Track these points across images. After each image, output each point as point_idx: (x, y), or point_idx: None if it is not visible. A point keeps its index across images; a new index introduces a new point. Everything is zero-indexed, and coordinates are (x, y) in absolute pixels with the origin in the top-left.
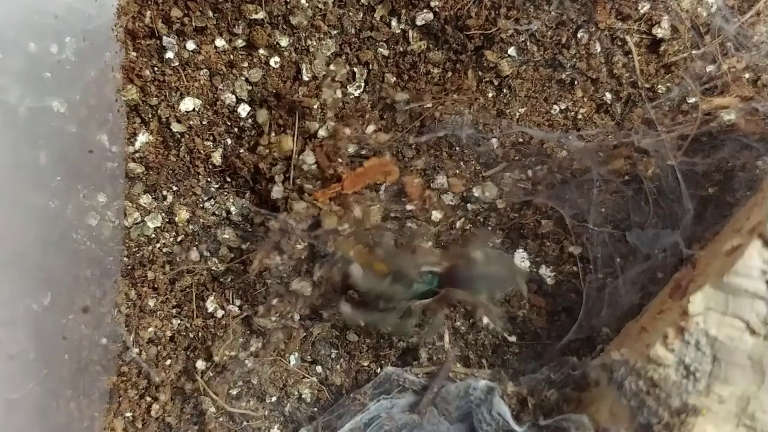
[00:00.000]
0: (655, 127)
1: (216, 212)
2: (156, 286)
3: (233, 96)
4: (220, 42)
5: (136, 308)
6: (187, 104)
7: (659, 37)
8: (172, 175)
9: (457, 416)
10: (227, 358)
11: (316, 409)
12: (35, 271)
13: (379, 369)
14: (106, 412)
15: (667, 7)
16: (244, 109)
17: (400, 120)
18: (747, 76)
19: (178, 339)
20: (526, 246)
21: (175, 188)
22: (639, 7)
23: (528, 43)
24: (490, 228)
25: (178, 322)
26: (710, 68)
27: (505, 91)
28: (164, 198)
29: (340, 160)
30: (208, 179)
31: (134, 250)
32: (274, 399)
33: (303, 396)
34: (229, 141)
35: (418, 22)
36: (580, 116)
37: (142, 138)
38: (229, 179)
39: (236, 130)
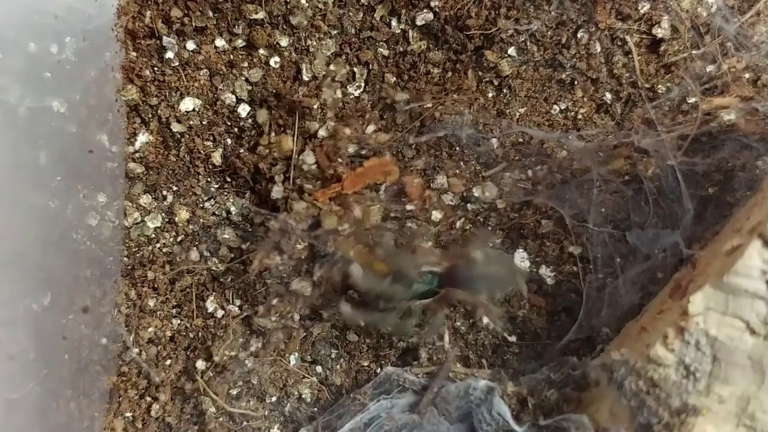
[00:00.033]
0: (655, 127)
1: (216, 212)
2: (156, 286)
3: (233, 96)
4: (220, 42)
5: (136, 308)
6: (187, 104)
7: (659, 37)
8: (172, 175)
9: (457, 416)
10: (227, 358)
11: (316, 409)
12: (35, 271)
13: (379, 369)
14: (106, 412)
15: (667, 7)
16: (244, 109)
17: (400, 120)
18: (747, 76)
19: (178, 339)
20: (526, 246)
21: (175, 188)
22: (639, 7)
23: (528, 43)
24: (490, 228)
25: (178, 322)
26: (710, 68)
27: (505, 91)
28: (164, 198)
29: (340, 160)
30: (208, 179)
31: (134, 250)
32: (274, 399)
33: (303, 396)
34: (229, 141)
35: (418, 22)
36: (580, 116)
37: (142, 138)
38: (229, 179)
39: (236, 130)
